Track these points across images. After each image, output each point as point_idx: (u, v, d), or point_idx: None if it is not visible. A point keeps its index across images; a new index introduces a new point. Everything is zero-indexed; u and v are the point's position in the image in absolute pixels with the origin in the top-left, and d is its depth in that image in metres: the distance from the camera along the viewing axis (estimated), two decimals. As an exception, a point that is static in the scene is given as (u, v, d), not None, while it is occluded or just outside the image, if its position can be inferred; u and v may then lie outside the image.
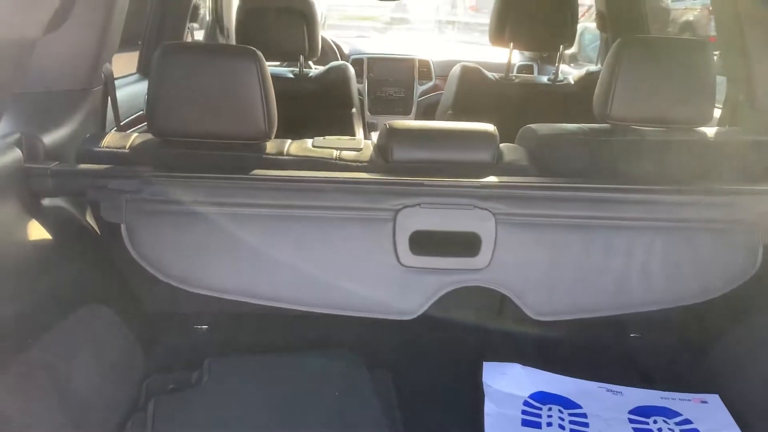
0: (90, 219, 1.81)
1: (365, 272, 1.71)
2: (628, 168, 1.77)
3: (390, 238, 1.67)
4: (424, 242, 1.69)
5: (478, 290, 1.77)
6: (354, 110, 3.39)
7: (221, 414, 1.65)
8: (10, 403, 1.24)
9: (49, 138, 1.69)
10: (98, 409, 1.53)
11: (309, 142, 1.82)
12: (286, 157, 1.73)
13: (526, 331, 1.99)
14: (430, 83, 4.26)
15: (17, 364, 1.29)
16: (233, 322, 2.01)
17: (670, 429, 1.70)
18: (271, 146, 1.76)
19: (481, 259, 1.69)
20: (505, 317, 2.01)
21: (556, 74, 3.23)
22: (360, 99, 4.05)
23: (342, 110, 3.35)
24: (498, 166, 1.77)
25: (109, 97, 1.98)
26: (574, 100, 3.03)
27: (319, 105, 3.25)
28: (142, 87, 2.85)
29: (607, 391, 1.84)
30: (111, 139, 1.75)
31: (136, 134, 1.80)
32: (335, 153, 1.77)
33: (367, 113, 4.03)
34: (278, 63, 3.68)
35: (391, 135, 1.76)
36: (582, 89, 3.02)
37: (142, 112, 2.83)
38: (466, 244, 1.69)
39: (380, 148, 1.80)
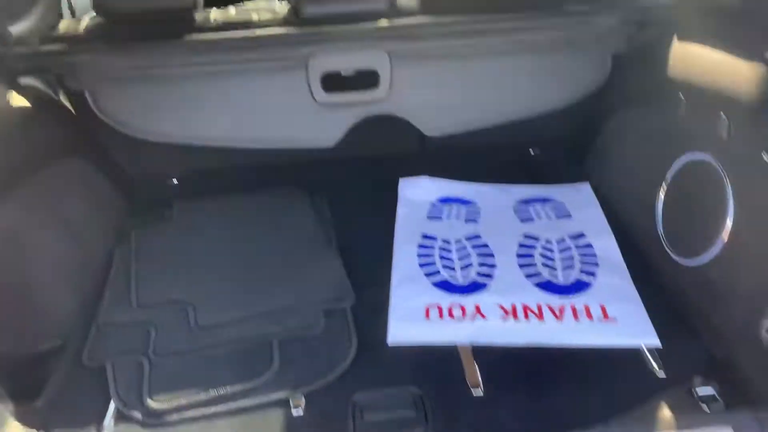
0: (63, 96, 2.17)
1: (288, 111, 2.09)
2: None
3: (305, 81, 2.04)
4: (333, 82, 2.05)
5: (391, 124, 2.15)
6: None
7: (191, 238, 2.09)
8: (19, 221, 1.66)
9: (15, 29, 2.02)
10: (92, 234, 1.97)
11: (231, 9, 2.14)
12: (212, 23, 2.06)
13: (438, 151, 2.39)
14: None
15: (23, 190, 1.71)
16: (197, 176, 2.41)
17: (544, 210, 2.14)
18: (199, 15, 2.09)
19: (381, 91, 2.06)
20: (418, 143, 2.39)
21: None
22: None
23: None
24: (391, 11, 2.09)
25: None
26: None
27: None
28: None
29: (500, 190, 2.27)
30: (67, 24, 2.09)
31: (87, 18, 2.12)
32: (254, 15, 2.10)
33: None
34: None
35: None
36: None
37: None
38: (367, 80, 2.06)
39: (292, 8, 2.12)
